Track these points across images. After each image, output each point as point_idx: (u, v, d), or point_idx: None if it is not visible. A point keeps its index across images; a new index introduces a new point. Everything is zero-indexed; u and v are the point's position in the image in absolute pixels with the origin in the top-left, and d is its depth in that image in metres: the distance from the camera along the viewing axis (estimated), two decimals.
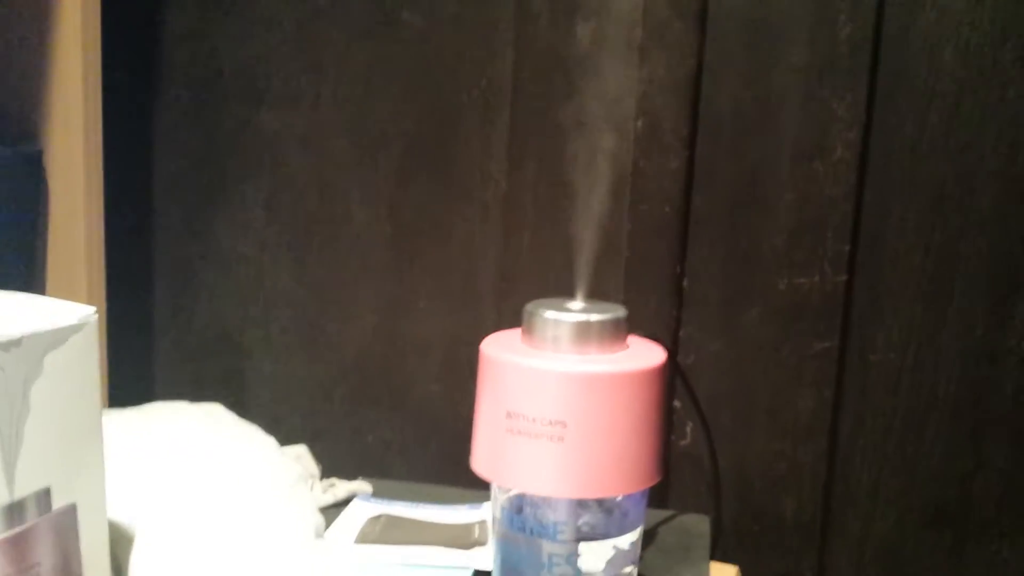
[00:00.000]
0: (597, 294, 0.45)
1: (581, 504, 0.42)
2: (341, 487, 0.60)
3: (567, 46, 0.66)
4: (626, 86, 0.65)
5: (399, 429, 0.75)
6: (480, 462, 0.42)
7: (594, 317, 0.41)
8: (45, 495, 0.38)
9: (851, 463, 0.66)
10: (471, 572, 0.51)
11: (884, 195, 0.63)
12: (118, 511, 0.47)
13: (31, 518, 0.38)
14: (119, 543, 0.46)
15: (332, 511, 0.58)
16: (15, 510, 0.37)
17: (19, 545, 0.37)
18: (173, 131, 0.76)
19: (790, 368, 0.65)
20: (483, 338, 0.45)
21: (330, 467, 0.64)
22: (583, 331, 0.41)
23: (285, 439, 0.61)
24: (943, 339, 0.63)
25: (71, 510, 0.40)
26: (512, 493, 0.43)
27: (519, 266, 0.69)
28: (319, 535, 0.51)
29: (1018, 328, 0.62)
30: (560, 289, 0.45)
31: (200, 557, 0.46)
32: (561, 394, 0.39)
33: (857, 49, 0.61)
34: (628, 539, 0.43)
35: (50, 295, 0.65)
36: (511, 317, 0.70)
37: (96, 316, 0.40)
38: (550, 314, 0.42)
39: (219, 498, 0.49)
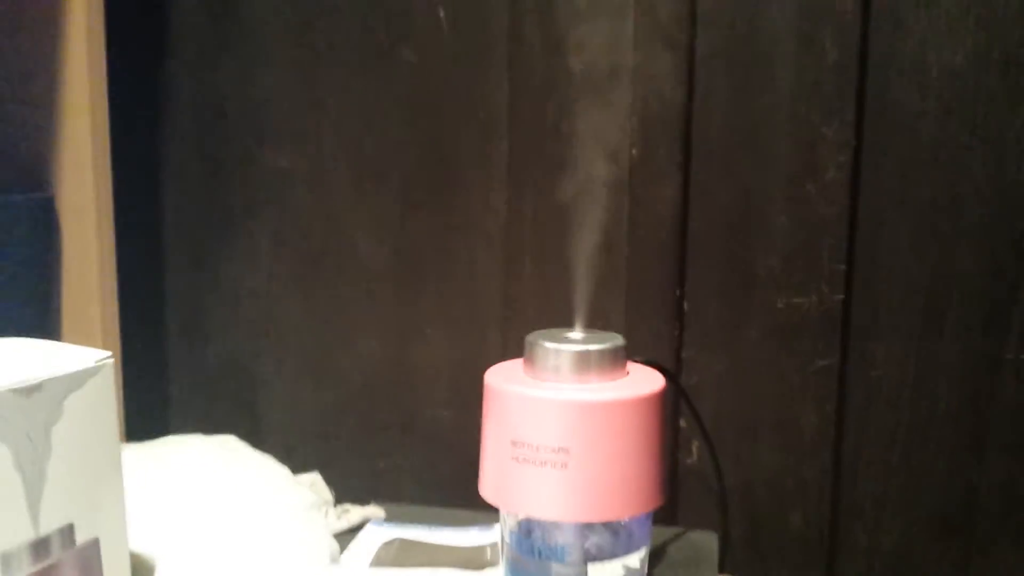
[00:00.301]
0: (599, 319, 0.47)
1: (588, 526, 0.43)
2: (355, 512, 0.61)
3: (561, 77, 0.67)
4: (619, 115, 0.66)
5: (409, 454, 0.76)
6: (488, 489, 0.44)
7: (593, 347, 0.43)
8: (69, 530, 0.40)
9: (856, 477, 0.67)
10: None
11: (877, 214, 0.64)
12: (139, 543, 0.48)
13: (56, 553, 0.39)
14: (141, 573, 0.47)
15: (346, 536, 0.59)
16: (40, 546, 0.38)
17: None
18: (180, 171, 0.78)
19: (792, 385, 0.66)
20: (488, 363, 0.46)
21: (343, 493, 0.65)
22: (583, 361, 0.42)
23: (298, 467, 0.62)
24: (942, 352, 0.64)
25: (94, 544, 0.41)
26: (521, 517, 0.44)
27: (522, 293, 0.71)
28: (334, 560, 0.52)
29: (1015, 338, 0.63)
30: (563, 314, 0.47)
31: None
32: (563, 422, 0.41)
33: (843, 73, 0.63)
34: (636, 558, 0.44)
35: (65, 336, 0.67)
36: (516, 343, 0.71)
37: (112, 359, 0.42)
38: (550, 345, 0.43)
39: (236, 526, 0.50)
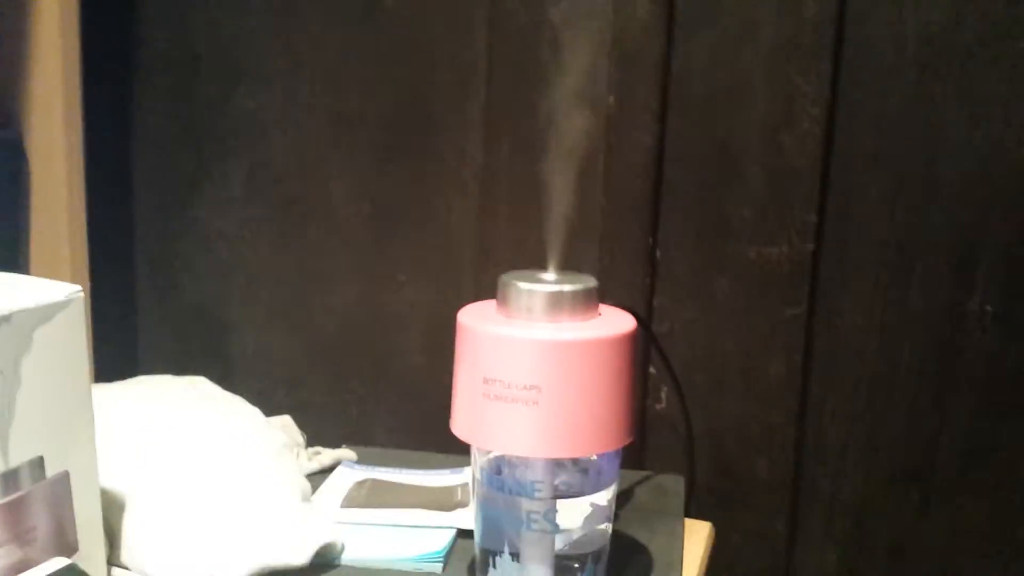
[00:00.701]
0: (572, 266, 0.47)
1: (557, 464, 0.44)
2: (326, 454, 0.62)
3: (540, 25, 0.67)
4: (598, 64, 0.66)
5: (382, 400, 0.76)
6: (459, 426, 0.44)
7: (566, 287, 0.43)
8: (39, 464, 0.40)
9: (821, 424, 0.68)
10: (454, 531, 0.53)
11: (849, 167, 0.65)
12: (110, 479, 0.48)
13: (25, 486, 0.39)
14: (112, 509, 0.47)
15: (318, 477, 0.60)
16: (10, 478, 0.38)
17: (15, 511, 0.39)
18: (152, 113, 0.77)
19: (761, 334, 0.67)
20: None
21: (315, 438, 0.66)
22: (555, 301, 0.43)
23: (270, 412, 0.63)
24: (908, 304, 0.65)
25: (64, 477, 0.41)
26: (491, 455, 0.45)
27: (496, 239, 0.71)
28: (306, 500, 0.52)
29: (980, 292, 0.64)
30: (536, 261, 0.47)
31: (192, 521, 0.48)
32: (535, 361, 0.41)
33: (821, 27, 0.63)
34: (604, 496, 0.45)
35: (34, 271, 0.66)
36: (489, 289, 0.71)
37: (81, 293, 0.41)
38: (524, 285, 0.43)
39: (209, 464, 0.50)
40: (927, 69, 0.62)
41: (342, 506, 0.55)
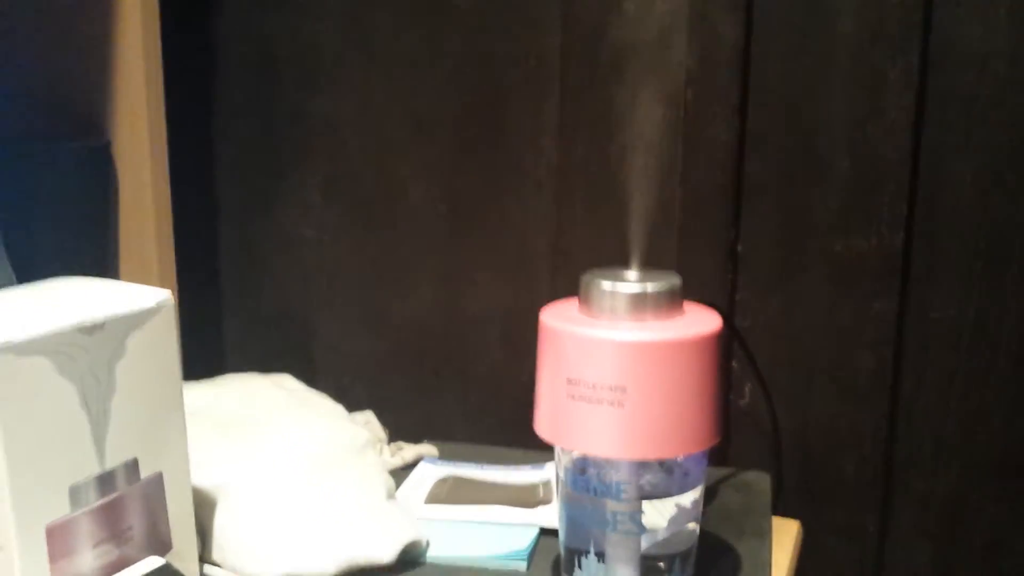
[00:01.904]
0: (652, 262, 0.46)
1: (643, 465, 0.43)
2: (408, 450, 0.62)
3: (615, 18, 0.66)
4: (675, 57, 0.65)
5: (460, 397, 0.76)
6: (543, 426, 0.44)
7: (650, 287, 0.42)
8: (133, 465, 0.41)
9: (912, 421, 0.66)
10: (537, 530, 0.53)
11: (940, 156, 0.63)
12: (201, 477, 0.49)
13: (121, 487, 0.40)
14: (203, 507, 0.49)
15: (401, 473, 0.60)
16: (106, 480, 0.40)
17: (112, 512, 0.40)
18: (232, 118, 0.79)
19: (848, 329, 0.65)
20: (539, 308, 0.46)
21: (396, 435, 0.66)
22: (639, 300, 0.42)
23: (351, 409, 0.63)
24: (1003, 295, 0.63)
25: (158, 478, 0.42)
26: (575, 455, 0.44)
27: (573, 237, 0.70)
28: (390, 496, 0.53)
29: None
30: (614, 259, 0.46)
31: (279, 517, 0.48)
32: (619, 362, 0.41)
33: (908, 12, 0.61)
34: (690, 497, 0.44)
35: (123, 279, 0.68)
36: (566, 287, 0.71)
37: (172, 299, 0.42)
38: (607, 284, 0.43)
39: (295, 461, 0.51)
40: (1018, 53, 0.60)
41: (426, 502, 0.56)
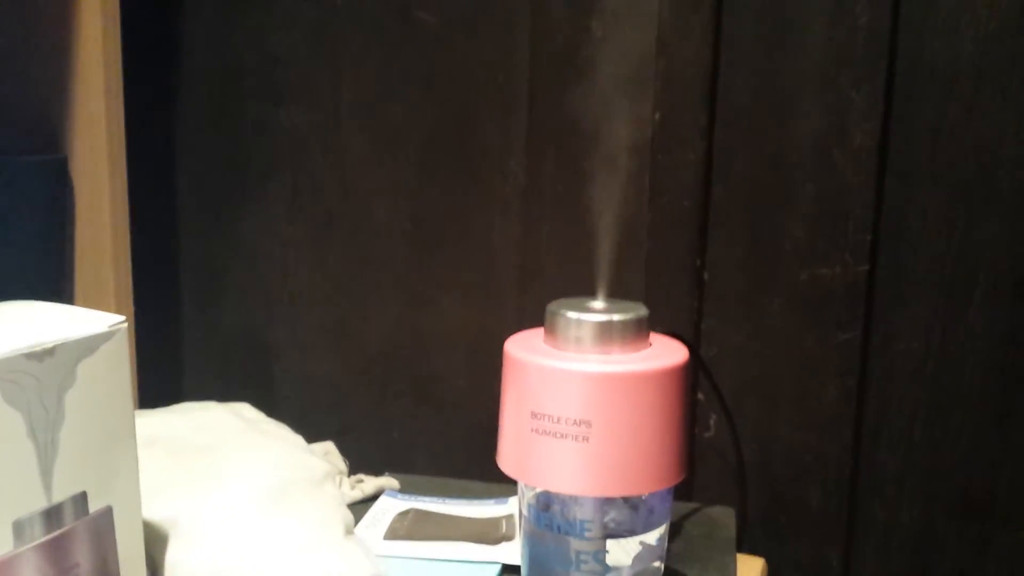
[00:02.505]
0: (617, 287, 0.46)
1: (608, 502, 0.42)
2: (369, 483, 0.61)
3: (583, 40, 0.66)
4: (643, 79, 0.65)
5: (424, 423, 0.75)
6: (506, 461, 0.43)
7: (616, 317, 0.42)
8: (82, 499, 0.39)
9: (877, 453, 0.66)
10: (499, 567, 0.52)
11: (905, 183, 0.63)
12: (153, 510, 0.48)
13: (69, 521, 0.39)
14: (154, 542, 0.47)
15: (361, 507, 0.59)
16: (53, 514, 0.38)
17: (59, 548, 0.38)
18: (195, 133, 0.77)
19: (813, 358, 0.65)
20: (505, 332, 0.45)
21: (357, 463, 0.65)
22: (605, 331, 0.41)
23: (312, 436, 0.62)
24: (968, 326, 0.63)
25: (107, 512, 0.41)
26: (539, 491, 0.43)
27: (539, 260, 0.70)
28: (349, 531, 0.51)
29: None
30: (580, 282, 0.46)
31: (233, 553, 0.47)
32: (585, 394, 0.40)
33: (874, 37, 0.61)
34: (655, 535, 0.44)
35: (79, 299, 0.66)
36: (533, 311, 0.70)
37: (126, 324, 0.41)
38: (572, 314, 0.42)
39: (249, 496, 0.50)
40: (984, 78, 0.60)
41: (385, 538, 0.54)
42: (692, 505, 0.62)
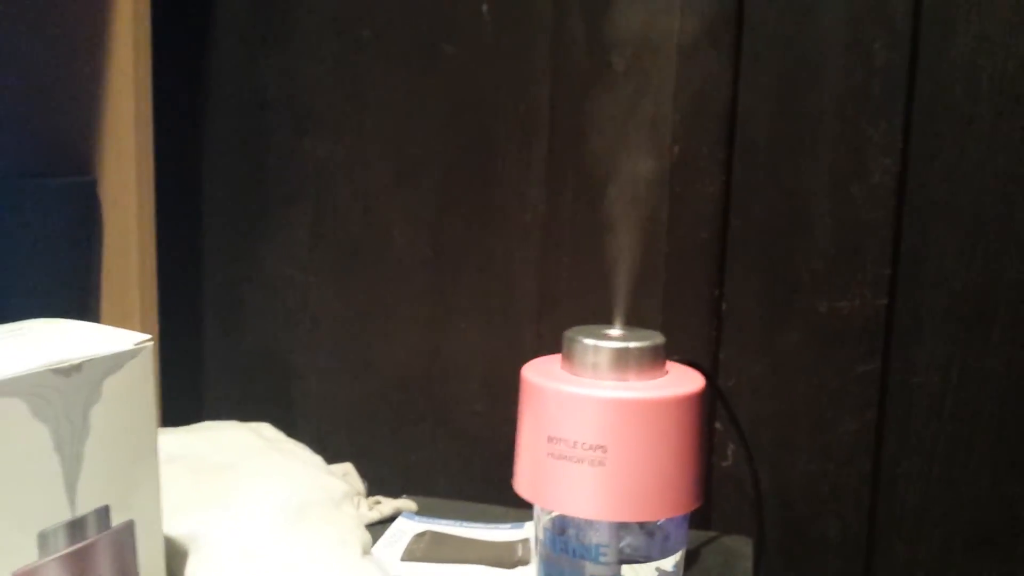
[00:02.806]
0: (635, 317, 0.46)
1: (623, 527, 0.43)
2: (387, 504, 0.61)
3: (602, 73, 0.67)
4: (661, 112, 0.66)
5: (442, 447, 0.76)
6: (522, 484, 0.43)
7: (633, 344, 0.42)
8: (105, 512, 0.40)
9: (895, 486, 0.65)
10: None
11: (924, 219, 0.63)
12: (173, 526, 0.48)
13: (92, 534, 0.39)
14: (174, 557, 0.47)
15: (378, 528, 0.59)
16: (76, 527, 0.39)
17: (81, 560, 0.39)
18: (221, 160, 0.78)
19: (832, 391, 0.65)
20: (523, 359, 0.45)
21: (375, 485, 0.65)
22: (622, 358, 0.42)
23: (331, 458, 0.62)
24: (986, 360, 0.63)
25: (129, 526, 0.41)
26: (555, 515, 0.44)
27: (558, 288, 0.70)
28: (366, 552, 0.52)
29: None
30: (599, 311, 0.46)
31: (251, 570, 0.47)
32: (601, 420, 0.40)
33: (893, 75, 0.62)
34: (671, 561, 0.44)
35: (105, 318, 0.67)
36: (551, 338, 0.71)
37: (151, 342, 0.42)
38: (589, 341, 0.42)
39: (269, 514, 0.50)
40: (1003, 115, 0.61)
41: (402, 559, 0.55)
42: (710, 534, 0.62)
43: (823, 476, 0.66)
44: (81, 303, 0.66)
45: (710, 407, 0.67)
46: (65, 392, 0.38)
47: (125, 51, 0.65)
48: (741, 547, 0.60)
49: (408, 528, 0.59)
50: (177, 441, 0.56)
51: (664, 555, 0.43)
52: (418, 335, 0.75)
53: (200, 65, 0.78)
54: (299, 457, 0.57)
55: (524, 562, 0.55)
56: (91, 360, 0.39)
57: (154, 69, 0.67)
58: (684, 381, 0.43)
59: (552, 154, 0.69)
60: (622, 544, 0.42)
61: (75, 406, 0.38)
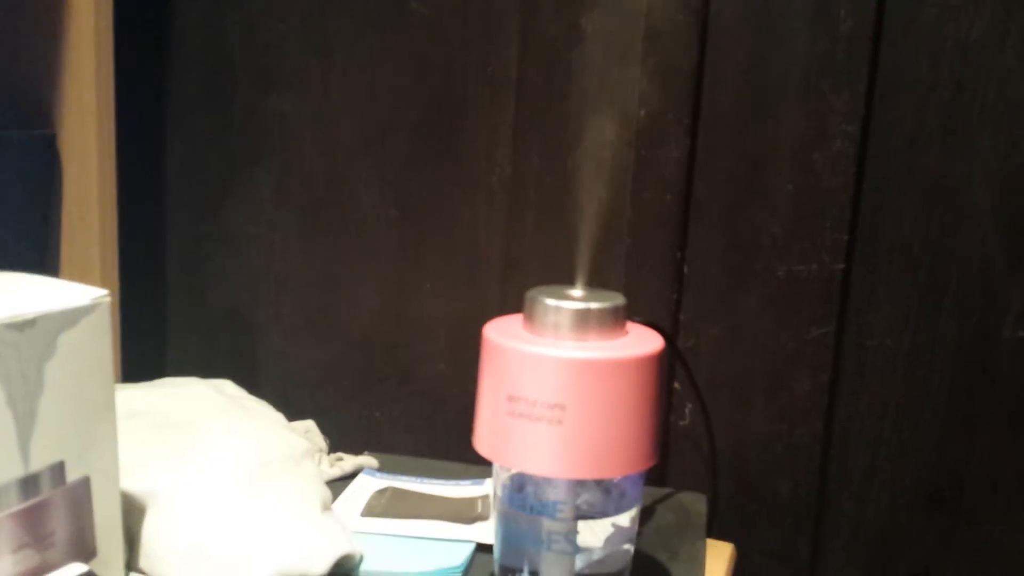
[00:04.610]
0: (599, 278, 0.46)
1: (580, 484, 0.43)
2: (348, 461, 0.62)
3: (571, 36, 0.67)
4: (629, 76, 0.66)
5: (405, 406, 0.76)
6: (482, 442, 0.44)
7: (593, 305, 0.42)
8: (59, 468, 0.40)
9: (846, 446, 0.67)
10: (473, 546, 0.52)
11: (882, 187, 0.64)
12: (130, 482, 0.48)
13: (46, 491, 0.39)
14: (132, 513, 0.47)
15: (339, 484, 0.60)
16: (30, 483, 0.38)
17: (34, 516, 0.39)
18: (185, 115, 0.77)
19: (787, 353, 0.66)
20: (488, 319, 0.46)
21: (337, 443, 0.66)
22: (583, 318, 0.42)
23: (294, 415, 0.63)
24: (938, 326, 0.64)
25: (84, 482, 0.41)
26: (513, 472, 0.44)
27: (523, 250, 0.71)
28: (326, 507, 0.52)
29: (1013, 316, 0.63)
30: (563, 272, 0.46)
31: (210, 527, 0.47)
32: (560, 379, 0.41)
33: (857, 43, 0.62)
34: (626, 517, 0.45)
35: (64, 276, 0.66)
36: (515, 299, 0.71)
37: (108, 298, 0.41)
38: (551, 301, 0.43)
39: (229, 470, 0.50)
40: (964, 88, 0.61)
41: (362, 515, 0.55)
42: (665, 490, 0.63)
43: (777, 436, 0.67)
44: (40, 257, 0.65)
45: (669, 368, 0.68)
46: (19, 347, 0.37)
47: (86, 4, 0.64)
48: (695, 504, 0.61)
49: (369, 484, 0.60)
50: (138, 397, 0.56)
51: (620, 511, 0.44)
52: (383, 294, 0.75)
53: (164, 20, 0.76)
54: (260, 414, 0.57)
55: (483, 518, 0.55)
56: (45, 315, 0.39)
57: (117, 24, 0.66)
58: (643, 342, 0.43)
59: (519, 116, 0.69)
60: (579, 501, 0.43)
61: (29, 361, 0.38)
